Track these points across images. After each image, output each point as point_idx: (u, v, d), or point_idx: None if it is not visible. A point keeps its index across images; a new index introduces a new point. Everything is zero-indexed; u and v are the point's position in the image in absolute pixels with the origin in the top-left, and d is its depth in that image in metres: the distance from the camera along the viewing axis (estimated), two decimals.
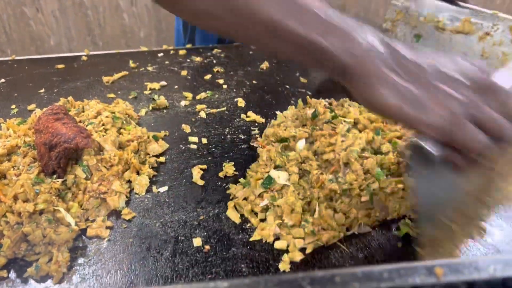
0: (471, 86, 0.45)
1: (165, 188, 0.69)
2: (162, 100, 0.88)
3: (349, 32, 0.45)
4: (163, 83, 0.97)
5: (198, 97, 0.91)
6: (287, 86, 0.96)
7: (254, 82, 0.98)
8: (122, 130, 0.75)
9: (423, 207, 0.50)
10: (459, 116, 0.43)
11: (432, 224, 0.52)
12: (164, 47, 1.16)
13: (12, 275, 0.57)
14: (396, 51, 0.44)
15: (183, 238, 0.61)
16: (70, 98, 0.83)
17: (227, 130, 0.82)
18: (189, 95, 0.92)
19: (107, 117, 0.75)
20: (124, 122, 0.77)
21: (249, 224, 0.63)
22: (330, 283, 0.27)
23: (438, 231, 0.52)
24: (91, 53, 1.13)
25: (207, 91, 0.93)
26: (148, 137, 0.77)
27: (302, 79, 0.99)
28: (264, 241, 0.61)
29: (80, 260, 0.59)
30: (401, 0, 0.87)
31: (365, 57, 0.44)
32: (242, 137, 0.80)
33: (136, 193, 0.69)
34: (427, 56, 0.46)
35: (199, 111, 0.87)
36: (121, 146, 0.73)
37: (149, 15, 2.51)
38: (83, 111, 0.79)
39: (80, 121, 0.75)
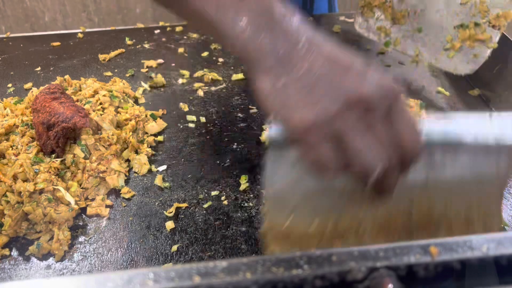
0: (352, 100, 0.36)
1: (164, 167, 0.70)
2: (159, 78, 0.87)
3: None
4: (160, 60, 0.96)
5: (195, 75, 0.91)
6: None
7: None
8: (119, 109, 0.75)
9: (269, 190, 0.44)
10: (317, 125, 0.36)
11: (276, 210, 0.45)
12: (161, 23, 1.14)
13: (14, 253, 0.58)
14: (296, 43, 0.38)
15: (182, 216, 0.62)
16: (67, 76, 0.83)
17: (224, 109, 0.82)
18: (187, 73, 0.91)
19: (104, 96, 0.74)
20: (122, 100, 0.77)
21: (247, 203, 0.64)
22: (327, 262, 0.27)
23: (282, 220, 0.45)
24: (87, 30, 1.12)
25: (205, 69, 0.92)
26: (146, 116, 0.77)
27: None
28: (262, 217, 0.61)
29: (81, 239, 0.60)
30: None
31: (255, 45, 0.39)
32: (241, 115, 0.80)
33: (135, 172, 0.69)
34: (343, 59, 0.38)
35: (197, 89, 0.86)
36: (119, 125, 0.73)
37: None
38: (80, 90, 0.78)
39: (77, 100, 0.74)
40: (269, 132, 0.41)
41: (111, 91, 0.76)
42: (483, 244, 0.28)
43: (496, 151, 0.41)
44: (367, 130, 0.37)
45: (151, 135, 0.75)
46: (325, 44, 0.39)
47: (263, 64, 0.39)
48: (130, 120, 0.73)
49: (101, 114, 0.71)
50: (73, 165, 0.65)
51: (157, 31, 1.10)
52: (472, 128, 0.40)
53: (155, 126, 0.75)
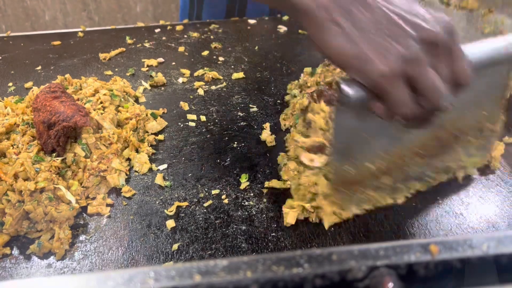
0: (423, 40, 0.41)
1: (165, 166, 0.70)
2: (159, 77, 0.87)
3: None
4: (161, 59, 0.96)
5: (196, 73, 0.91)
6: (285, 63, 0.95)
7: (252, 58, 0.97)
8: (120, 108, 0.75)
9: (337, 142, 0.53)
10: (395, 74, 0.40)
11: (344, 161, 0.54)
12: (161, 22, 1.14)
13: (15, 252, 0.58)
14: None
15: (183, 215, 0.62)
16: (67, 75, 0.83)
17: (225, 107, 0.82)
18: (187, 72, 0.91)
19: (105, 95, 0.74)
20: (122, 99, 0.77)
21: (247, 202, 0.64)
22: (327, 261, 0.27)
23: (350, 170, 0.56)
24: (87, 29, 1.12)
25: (205, 68, 0.92)
26: (147, 115, 0.77)
27: (300, 57, 0.98)
28: (262, 217, 0.61)
29: (82, 237, 0.60)
30: None
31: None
32: (241, 114, 0.80)
33: (136, 171, 0.69)
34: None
35: (197, 88, 0.86)
36: (119, 124, 0.73)
37: None
38: (81, 89, 0.78)
39: (78, 99, 0.74)
40: (341, 87, 0.43)
41: (112, 90, 0.76)
42: (483, 243, 0.28)
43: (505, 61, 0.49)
44: (435, 67, 0.42)
45: (151, 134, 0.75)
46: None
47: (332, 16, 0.42)
48: (131, 119, 0.73)
49: (101, 113, 0.71)
50: (74, 164, 0.65)
51: (157, 30, 1.10)
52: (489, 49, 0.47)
53: (155, 125, 0.75)
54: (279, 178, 0.67)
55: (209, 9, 1.14)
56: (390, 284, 0.27)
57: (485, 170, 0.69)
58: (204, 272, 0.27)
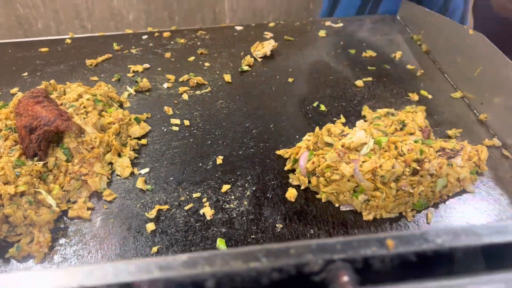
0: None
1: (147, 169, 0.70)
2: (145, 83, 0.88)
3: None
4: (146, 65, 0.97)
5: (181, 79, 0.91)
6: (267, 69, 0.96)
7: (238, 64, 0.97)
8: (103, 113, 0.75)
9: None
10: None
11: None
12: (149, 29, 1.15)
13: None
14: None
15: (163, 218, 0.62)
16: (52, 81, 0.83)
17: (208, 112, 0.82)
18: (172, 77, 0.92)
19: (88, 99, 0.75)
20: (106, 104, 0.77)
21: (228, 205, 0.64)
22: (285, 255, 0.28)
23: None
24: (75, 36, 1.12)
25: (190, 73, 0.93)
26: (130, 120, 0.77)
27: (283, 63, 0.99)
28: (242, 219, 0.62)
29: (62, 241, 0.60)
30: None
31: None
32: (224, 118, 0.81)
33: (117, 175, 0.69)
34: None
35: (182, 93, 0.87)
36: (102, 129, 0.73)
37: None
38: (65, 94, 0.79)
39: (61, 104, 0.75)
40: None
41: (95, 95, 0.76)
42: (438, 236, 0.28)
43: None
44: None
45: (134, 138, 0.75)
46: None
47: None
48: (114, 123, 0.73)
49: (84, 118, 0.71)
50: (55, 168, 0.65)
51: (144, 37, 1.11)
52: None
53: (138, 129, 0.76)
54: (260, 181, 0.68)
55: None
56: (345, 277, 0.27)
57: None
58: (163, 267, 0.27)
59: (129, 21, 2.57)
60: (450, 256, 0.28)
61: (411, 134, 0.70)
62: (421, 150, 0.65)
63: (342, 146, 0.66)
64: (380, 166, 0.63)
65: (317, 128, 0.71)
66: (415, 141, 0.67)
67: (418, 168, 0.63)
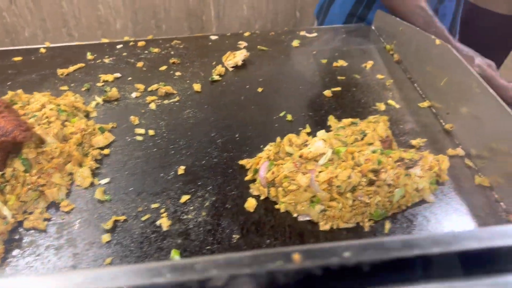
0: None
1: (107, 180, 0.70)
2: (113, 92, 0.88)
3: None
4: (117, 74, 0.97)
5: (150, 88, 0.91)
6: (238, 79, 0.97)
7: (209, 73, 0.98)
8: (66, 123, 0.75)
9: None
10: None
11: None
12: (125, 38, 1.15)
13: None
14: None
15: (120, 229, 0.62)
16: (19, 91, 0.83)
17: (175, 122, 0.82)
18: (141, 86, 0.92)
19: (51, 109, 0.75)
20: (70, 114, 0.77)
21: (186, 216, 0.64)
22: (189, 270, 0.28)
23: None
24: (51, 45, 1.12)
25: (160, 83, 0.93)
26: (94, 129, 0.77)
27: (256, 72, 0.99)
28: (199, 230, 0.62)
29: (15, 252, 0.59)
30: None
31: None
32: (190, 128, 0.81)
33: (78, 185, 0.69)
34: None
35: (149, 103, 0.87)
36: (65, 139, 0.73)
37: (124, 6, 2.49)
38: (28, 104, 0.78)
39: (24, 114, 0.74)
40: None
41: (59, 105, 0.76)
42: (344, 250, 0.28)
43: None
44: None
45: (97, 148, 0.75)
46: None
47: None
48: (76, 133, 0.73)
49: (46, 128, 0.71)
50: (13, 178, 0.65)
51: (119, 46, 1.11)
52: None
53: (102, 139, 0.76)
54: (220, 191, 0.68)
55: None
56: None
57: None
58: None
59: (116, 29, 2.57)
60: (358, 271, 0.28)
61: (370, 144, 0.70)
62: (379, 160, 0.65)
63: (300, 156, 0.66)
64: (336, 176, 0.63)
65: (278, 138, 0.72)
66: (374, 151, 0.67)
67: (374, 178, 0.63)
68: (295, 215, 0.65)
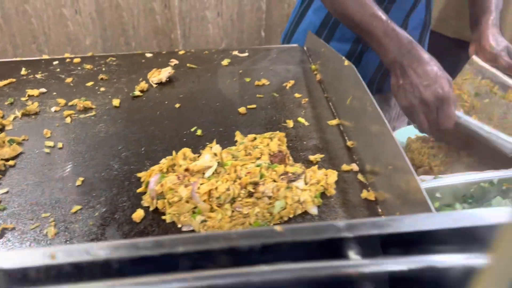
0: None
1: (5, 190, 0.72)
2: (31, 106, 0.91)
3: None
4: (43, 90, 1.00)
5: (70, 103, 0.95)
6: (159, 95, 1.00)
7: (132, 89, 1.01)
8: None
9: None
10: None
11: None
12: (66, 55, 1.18)
13: None
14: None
15: (10, 236, 0.64)
16: None
17: (85, 135, 0.85)
18: (63, 101, 0.95)
19: None
20: None
21: (72, 225, 0.67)
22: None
23: None
24: None
25: (81, 98, 0.96)
26: (4, 142, 0.80)
27: (177, 89, 1.03)
28: (83, 239, 0.64)
29: None
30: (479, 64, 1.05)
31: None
32: (98, 141, 0.84)
33: None
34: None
35: (66, 117, 0.90)
36: None
37: (93, 23, 2.53)
38: None
39: None
40: None
41: None
42: (99, 250, 0.31)
43: None
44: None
45: (2, 159, 0.77)
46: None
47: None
48: None
49: None
50: None
51: (55, 62, 1.14)
52: None
53: (9, 151, 0.78)
54: (113, 203, 0.70)
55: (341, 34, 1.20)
56: None
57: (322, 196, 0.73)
58: None
59: (86, 45, 2.61)
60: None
61: (258, 158, 0.73)
62: (262, 174, 0.68)
63: (187, 169, 0.69)
64: (216, 188, 0.66)
65: (174, 152, 0.75)
66: (258, 165, 0.70)
67: (253, 190, 0.67)
68: (179, 225, 0.68)
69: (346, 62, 0.92)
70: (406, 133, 1.17)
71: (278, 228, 0.33)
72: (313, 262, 0.32)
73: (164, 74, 1.03)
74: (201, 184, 0.67)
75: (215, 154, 0.73)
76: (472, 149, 1.06)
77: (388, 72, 1.23)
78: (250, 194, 0.67)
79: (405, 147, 1.16)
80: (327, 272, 0.32)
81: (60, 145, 0.82)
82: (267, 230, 0.33)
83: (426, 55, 0.87)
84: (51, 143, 0.82)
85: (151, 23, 2.52)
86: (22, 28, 2.51)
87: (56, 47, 2.60)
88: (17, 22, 2.47)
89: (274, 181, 0.69)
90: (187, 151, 0.74)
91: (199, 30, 2.50)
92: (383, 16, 0.91)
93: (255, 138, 0.82)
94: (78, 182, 0.74)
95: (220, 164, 0.71)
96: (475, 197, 0.80)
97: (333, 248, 0.33)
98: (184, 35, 2.53)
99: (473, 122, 0.94)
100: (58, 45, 2.59)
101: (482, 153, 1.02)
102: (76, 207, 0.69)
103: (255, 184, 0.67)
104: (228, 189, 0.66)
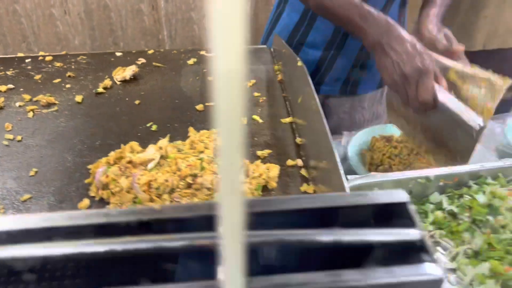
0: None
1: None
2: None
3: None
4: (11, 86, 1.04)
5: (35, 99, 0.98)
6: (122, 92, 1.04)
7: (96, 86, 1.05)
8: None
9: None
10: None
11: None
12: (41, 53, 1.22)
13: None
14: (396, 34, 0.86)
15: None
16: None
17: (44, 129, 0.89)
18: (28, 97, 0.99)
19: None
20: None
21: (20, 213, 0.70)
22: None
23: None
24: None
25: (47, 94, 1.00)
26: None
27: (140, 86, 1.07)
28: None
29: None
30: None
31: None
32: (55, 135, 0.88)
33: None
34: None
35: (29, 112, 0.94)
36: None
37: (82, 24, 2.58)
38: None
39: None
40: None
41: None
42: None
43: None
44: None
45: None
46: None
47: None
48: None
49: None
50: None
51: (28, 60, 1.18)
52: None
53: None
54: (61, 192, 0.74)
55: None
56: None
57: (264, 190, 0.77)
58: None
59: (75, 45, 2.65)
60: None
61: (201, 152, 0.77)
62: (202, 167, 0.72)
63: (130, 161, 0.73)
64: (155, 179, 0.69)
65: (122, 145, 0.78)
66: (200, 159, 0.74)
67: (191, 182, 0.70)
68: None
69: (299, 63, 0.96)
70: (372, 132, 1.20)
71: (156, 206, 0.37)
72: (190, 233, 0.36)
73: (128, 72, 1.06)
74: (141, 175, 0.70)
75: (161, 148, 0.76)
76: (437, 147, 1.03)
77: (362, 74, 1.27)
78: (189, 186, 0.70)
79: (369, 145, 1.19)
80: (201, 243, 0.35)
81: (19, 138, 0.86)
82: (147, 208, 0.37)
83: (404, 33, 0.89)
84: (10, 136, 0.86)
85: (138, 24, 2.56)
86: (12, 27, 2.55)
87: (45, 46, 2.64)
88: (7, 21, 2.52)
89: (215, 173, 0.73)
90: (134, 144, 0.78)
91: (185, 31, 2.55)
92: (357, 1, 0.93)
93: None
94: (32, 173, 0.78)
95: (164, 157, 0.74)
96: (413, 193, 0.83)
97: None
98: (170, 35, 2.57)
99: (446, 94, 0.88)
100: (47, 44, 2.63)
101: (446, 149, 0.99)
102: (26, 196, 0.73)
103: (195, 176, 0.71)
104: (166, 180, 0.69)
